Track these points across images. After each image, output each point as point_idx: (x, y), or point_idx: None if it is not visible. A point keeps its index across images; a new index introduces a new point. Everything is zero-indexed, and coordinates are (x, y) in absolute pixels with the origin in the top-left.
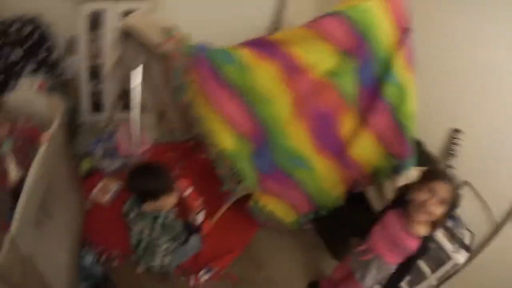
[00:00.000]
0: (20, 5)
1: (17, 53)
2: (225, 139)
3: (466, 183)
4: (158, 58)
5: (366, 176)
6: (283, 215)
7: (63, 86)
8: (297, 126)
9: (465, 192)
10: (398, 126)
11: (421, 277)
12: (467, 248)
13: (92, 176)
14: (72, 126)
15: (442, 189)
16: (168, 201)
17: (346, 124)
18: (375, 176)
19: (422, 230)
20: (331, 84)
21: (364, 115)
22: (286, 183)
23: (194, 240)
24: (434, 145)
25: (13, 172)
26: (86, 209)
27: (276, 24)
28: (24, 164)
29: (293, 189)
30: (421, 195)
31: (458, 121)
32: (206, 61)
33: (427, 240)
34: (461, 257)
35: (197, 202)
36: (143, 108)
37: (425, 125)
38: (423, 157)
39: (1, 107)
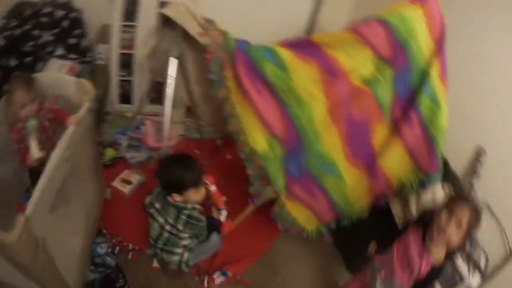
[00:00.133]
0: None
1: (47, 37)
2: (258, 139)
3: (484, 203)
4: (195, 50)
5: (391, 188)
6: (305, 222)
7: (92, 72)
8: (331, 131)
9: (484, 214)
10: (429, 139)
11: None
12: (481, 271)
13: (115, 165)
14: (98, 114)
15: (463, 215)
16: (195, 195)
17: (379, 134)
18: (400, 189)
19: (438, 255)
20: (368, 91)
21: (396, 126)
22: (313, 189)
23: (215, 238)
24: (458, 162)
25: (34, 151)
26: (105, 198)
27: (311, 25)
28: (47, 146)
29: (319, 195)
30: (442, 218)
31: (483, 139)
32: (246, 57)
33: (441, 268)
34: (475, 280)
35: (221, 200)
36: (174, 102)
37: (450, 141)
38: (446, 174)
39: (33, 83)
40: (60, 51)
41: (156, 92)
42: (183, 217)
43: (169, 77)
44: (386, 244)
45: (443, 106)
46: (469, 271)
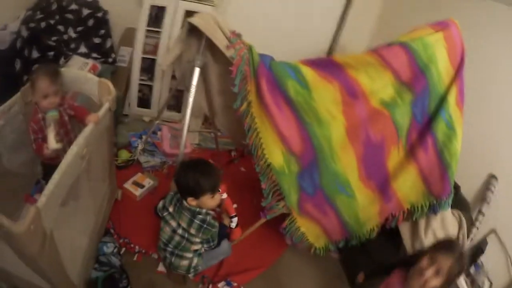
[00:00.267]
0: None
1: (71, 33)
2: (275, 154)
3: (492, 231)
4: (219, 62)
5: (402, 211)
6: (314, 239)
7: (113, 74)
8: (348, 151)
9: (490, 240)
10: (443, 164)
11: None
12: None
13: (128, 167)
14: (115, 115)
15: (443, 261)
16: (210, 201)
17: (394, 156)
18: (411, 213)
19: None
20: (386, 114)
21: (411, 149)
22: (325, 207)
23: (225, 244)
24: (469, 188)
25: (52, 142)
26: (116, 199)
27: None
28: (64, 140)
29: (331, 214)
30: (423, 261)
31: (495, 167)
32: (269, 73)
33: None
34: None
35: (232, 207)
36: (193, 110)
37: (462, 168)
38: (456, 199)
39: (59, 75)
40: (83, 49)
41: (174, 99)
42: (197, 221)
43: (190, 86)
44: (376, 275)
45: (458, 132)
46: None
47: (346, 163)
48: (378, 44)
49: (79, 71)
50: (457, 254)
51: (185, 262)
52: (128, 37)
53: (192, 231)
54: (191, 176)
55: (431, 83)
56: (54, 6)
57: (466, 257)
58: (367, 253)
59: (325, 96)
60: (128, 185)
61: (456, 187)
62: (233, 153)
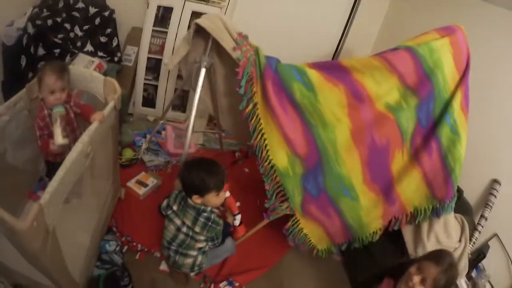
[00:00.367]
0: None
1: (77, 31)
2: (279, 156)
3: (494, 235)
4: (225, 63)
5: (405, 214)
6: (317, 241)
7: (118, 73)
8: (353, 154)
9: (492, 244)
10: (446, 168)
11: None
12: None
13: (132, 166)
14: (120, 114)
15: (429, 270)
16: (215, 199)
17: (398, 160)
18: (414, 216)
19: None
20: (391, 118)
21: (416, 153)
22: (328, 210)
23: (229, 242)
24: (471, 193)
25: (59, 137)
26: (119, 197)
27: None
28: (70, 137)
29: (334, 216)
30: (411, 268)
31: (498, 171)
32: (275, 75)
33: None
34: None
35: (235, 205)
36: (197, 111)
37: (465, 172)
38: (459, 203)
39: (66, 72)
40: (89, 47)
41: (179, 99)
42: (202, 219)
43: (195, 87)
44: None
45: (462, 136)
46: None
47: (351, 166)
48: (383, 48)
49: (85, 69)
50: (445, 266)
51: (189, 260)
52: (134, 36)
53: (197, 229)
54: (197, 174)
55: (436, 88)
56: (61, 4)
57: (456, 271)
58: (370, 256)
59: (330, 99)
60: (131, 184)
61: (459, 191)
62: (237, 154)
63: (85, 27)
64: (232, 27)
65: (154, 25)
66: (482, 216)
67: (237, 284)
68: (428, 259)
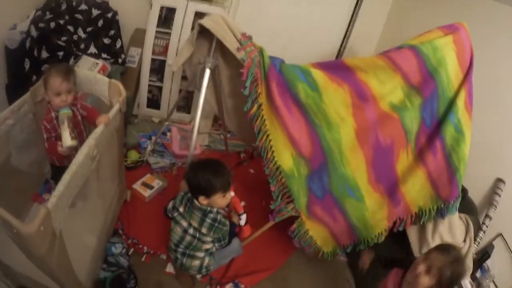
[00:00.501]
0: None
1: (81, 33)
2: (284, 157)
3: (499, 235)
4: (230, 64)
5: (410, 214)
6: (322, 243)
7: (122, 74)
8: (357, 154)
9: (497, 244)
10: (451, 168)
11: None
12: None
13: (137, 168)
14: (125, 116)
15: (435, 260)
16: (221, 200)
17: (403, 160)
18: (419, 216)
19: None
20: (395, 117)
21: (420, 153)
22: (334, 211)
23: (236, 243)
24: (476, 192)
25: (67, 139)
26: (125, 199)
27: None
28: (77, 138)
29: (339, 218)
30: (418, 258)
31: (503, 171)
32: (279, 75)
33: None
34: None
35: (240, 205)
36: (202, 112)
37: (469, 171)
38: (464, 203)
39: (72, 75)
40: (92, 49)
41: (184, 100)
42: (209, 220)
43: (200, 88)
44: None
45: (466, 135)
46: None
47: (355, 166)
48: (387, 47)
49: (90, 72)
50: (451, 258)
51: (196, 262)
52: (138, 37)
53: (204, 230)
54: (203, 175)
55: (440, 87)
56: (64, 7)
57: (463, 266)
58: (376, 256)
59: (335, 98)
60: (137, 186)
61: (464, 191)
62: (242, 154)
63: (89, 29)
64: (236, 28)
65: (157, 26)
66: (487, 215)
67: (242, 286)
68: (435, 249)
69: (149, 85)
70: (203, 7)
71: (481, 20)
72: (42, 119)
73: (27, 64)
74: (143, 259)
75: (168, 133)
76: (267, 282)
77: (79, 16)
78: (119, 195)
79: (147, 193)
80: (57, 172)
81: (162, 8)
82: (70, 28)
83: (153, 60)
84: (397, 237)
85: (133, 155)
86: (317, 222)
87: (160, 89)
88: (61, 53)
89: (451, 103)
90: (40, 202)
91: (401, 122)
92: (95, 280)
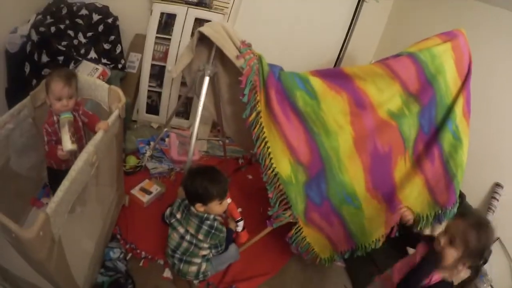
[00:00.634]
0: None
1: (81, 38)
2: (282, 164)
3: (497, 239)
4: (229, 71)
5: None
6: (320, 250)
7: (122, 80)
8: (355, 162)
9: (494, 248)
10: (448, 174)
11: None
12: None
13: (136, 173)
14: (124, 121)
15: (455, 227)
16: (218, 207)
17: (401, 167)
18: (416, 223)
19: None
20: (393, 125)
21: (418, 160)
22: (331, 217)
23: (233, 249)
24: (474, 197)
25: (67, 143)
26: (123, 204)
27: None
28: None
29: (337, 224)
30: (439, 234)
31: (500, 175)
32: (278, 83)
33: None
34: None
35: (237, 211)
36: (201, 118)
37: (467, 176)
38: (462, 209)
39: (74, 80)
40: (92, 54)
41: (183, 106)
42: (205, 227)
43: (199, 94)
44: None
45: (464, 142)
46: None
47: (353, 173)
48: (386, 53)
49: (90, 77)
50: (472, 220)
51: (193, 268)
52: (138, 43)
53: (200, 236)
54: (200, 182)
55: (438, 94)
56: (64, 11)
57: (490, 232)
58: (373, 262)
59: (333, 106)
60: (135, 191)
61: (462, 196)
62: (240, 160)
63: (89, 34)
64: (235, 35)
65: (157, 32)
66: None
67: None
68: (452, 218)
69: (148, 91)
70: (202, 13)
71: (479, 23)
72: (42, 123)
73: (27, 68)
74: (141, 264)
75: (167, 139)
76: (265, 287)
77: (79, 21)
78: (117, 200)
79: (145, 198)
80: (54, 175)
81: (162, 14)
82: (71, 32)
83: (152, 65)
84: (394, 243)
85: (132, 161)
86: (315, 228)
87: (159, 94)
88: (61, 58)
89: (449, 110)
90: (39, 206)
91: (399, 129)
92: (93, 285)
